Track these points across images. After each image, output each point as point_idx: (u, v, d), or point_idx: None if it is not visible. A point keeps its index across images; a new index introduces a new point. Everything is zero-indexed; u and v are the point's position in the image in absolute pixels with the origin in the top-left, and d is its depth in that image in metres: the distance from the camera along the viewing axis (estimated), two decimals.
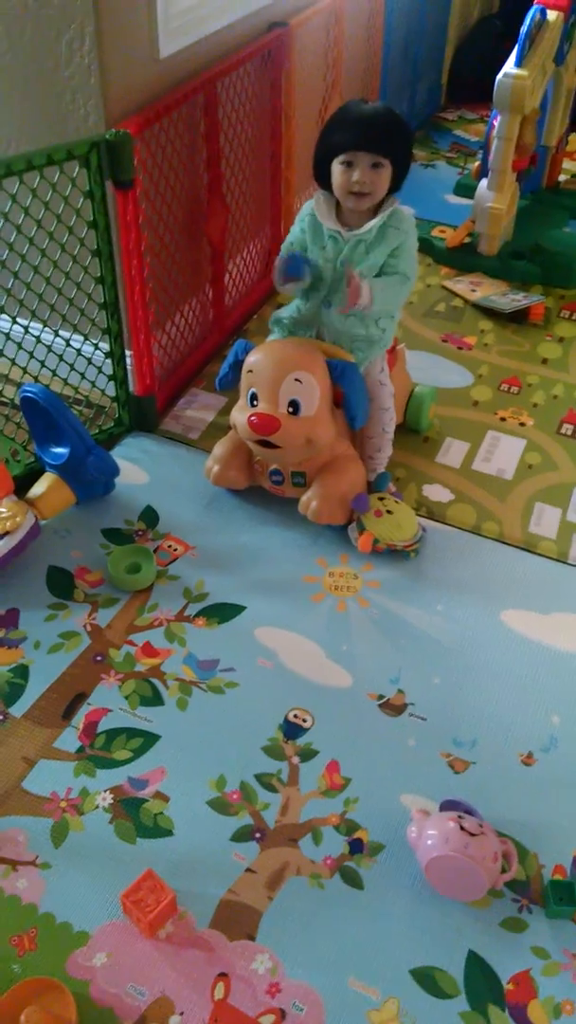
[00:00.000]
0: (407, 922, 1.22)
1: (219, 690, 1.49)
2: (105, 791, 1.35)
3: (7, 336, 1.72)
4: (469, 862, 1.18)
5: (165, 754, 1.40)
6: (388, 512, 1.71)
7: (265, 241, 2.41)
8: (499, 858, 1.22)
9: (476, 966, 1.18)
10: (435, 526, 1.79)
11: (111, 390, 1.94)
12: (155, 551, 1.71)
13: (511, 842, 1.29)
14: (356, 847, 1.29)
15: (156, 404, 1.98)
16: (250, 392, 1.65)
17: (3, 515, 1.62)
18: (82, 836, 1.29)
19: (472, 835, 1.20)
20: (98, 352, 1.89)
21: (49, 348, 1.79)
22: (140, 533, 1.75)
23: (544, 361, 2.26)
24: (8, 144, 1.76)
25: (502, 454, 1.97)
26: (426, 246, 2.63)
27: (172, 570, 1.68)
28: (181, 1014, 1.13)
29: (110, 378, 1.90)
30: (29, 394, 1.68)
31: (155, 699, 1.47)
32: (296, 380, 1.60)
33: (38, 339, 1.76)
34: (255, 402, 1.64)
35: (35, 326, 1.77)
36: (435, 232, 2.68)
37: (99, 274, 1.74)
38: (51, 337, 1.81)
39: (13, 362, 1.79)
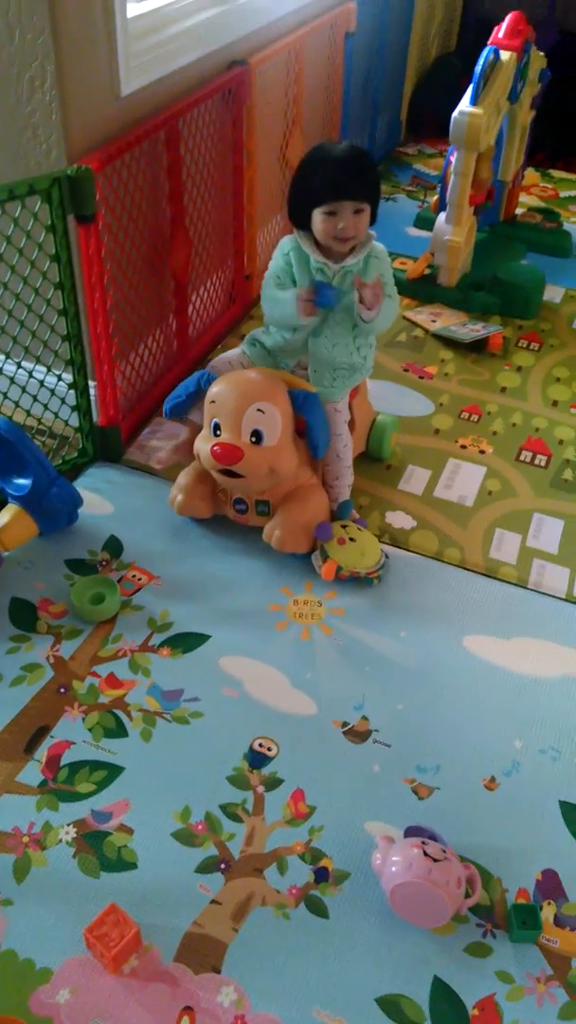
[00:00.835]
0: (372, 950, 1.22)
1: (184, 720, 1.49)
2: (68, 825, 1.34)
3: None
4: (432, 888, 1.19)
5: (129, 786, 1.39)
6: (351, 540, 1.73)
7: (228, 273, 2.44)
8: (463, 883, 1.23)
9: (441, 993, 1.18)
10: (398, 553, 1.81)
11: (75, 420, 1.95)
12: (119, 581, 1.71)
13: (474, 867, 1.29)
14: (321, 875, 1.29)
15: (120, 434, 1.99)
16: (213, 422, 1.66)
17: None
18: (44, 871, 1.28)
19: (435, 861, 1.21)
20: (61, 383, 1.89)
21: (11, 379, 1.80)
22: (104, 563, 1.75)
23: (503, 390, 2.30)
24: None
25: (463, 481, 2.00)
26: None
27: (136, 600, 1.68)
28: None
29: (73, 408, 1.91)
30: None
31: (119, 731, 1.46)
32: (259, 410, 1.62)
33: (0, 370, 1.76)
34: (218, 432, 1.65)
35: None
36: (396, 264, 2.73)
37: (62, 306, 1.76)
38: (13, 368, 1.81)
39: None
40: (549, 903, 1.28)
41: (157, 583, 1.72)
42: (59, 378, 1.87)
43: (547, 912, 1.27)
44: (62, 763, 1.41)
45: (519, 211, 3.04)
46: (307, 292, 1.68)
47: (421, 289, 2.63)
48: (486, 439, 2.13)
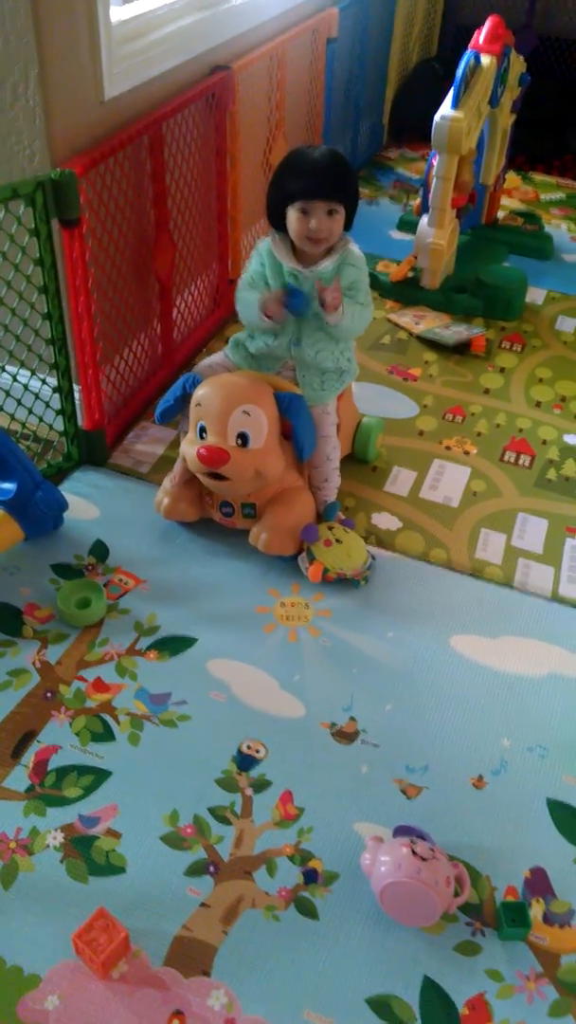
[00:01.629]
0: (362, 950, 1.22)
1: (171, 724, 1.48)
2: (56, 830, 1.33)
3: None
4: (422, 887, 1.19)
5: (117, 790, 1.39)
6: (337, 541, 1.73)
7: (212, 277, 2.44)
8: (452, 882, 1.23)
9: (432, 992, 1.18)
10: (384, 554, 1.82)
11: (59, 425, 1.95)
12: (105, 585, 1.71)
13: (463, 865, 1.30)
14: (311, 877, 1.29)
15: (105, 438, 1.99)
16: (199, 425, 1.66)
17: None
18: (32, 877, 1.27)
19: (424, 860, 1.21)
20: (46, 387, 1.89)
21: None
22: (90, 567, 1.75)
23: (487, 391, 2.32)
24: None
25: (448, 482, 2.01)
26: (371, 280, 2.68)
27: (123, 604, 1.68)
28: None
29: (58, 413, 1.90)
30: None
31: (106, 735, 1.46)
32: (244, 413, 1.62)
33: None
34: (204, 435, 1.66)
35: None
36: (380, 267, 2.74)
37: (46, 310, 1.75)
38: None
39: None
40: (538, 901, 1.28)
41: (143, 587, 1.72)
42: (44, 382, 1.86)
43: (536, 910, 1.27)
44: (49, 768, 1.41)
45: (500, 214, 3.06)
46: (278, 295, 1.68)
47: (404, 292, 2.64)
48: (470, 440, 2.14)
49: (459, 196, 2.51)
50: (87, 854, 1.30)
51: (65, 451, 1.97)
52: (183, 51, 2.01)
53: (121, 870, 1.29)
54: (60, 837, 1.32)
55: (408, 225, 2.98)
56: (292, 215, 1.65)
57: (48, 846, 1.31)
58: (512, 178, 3.47)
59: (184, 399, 1.74)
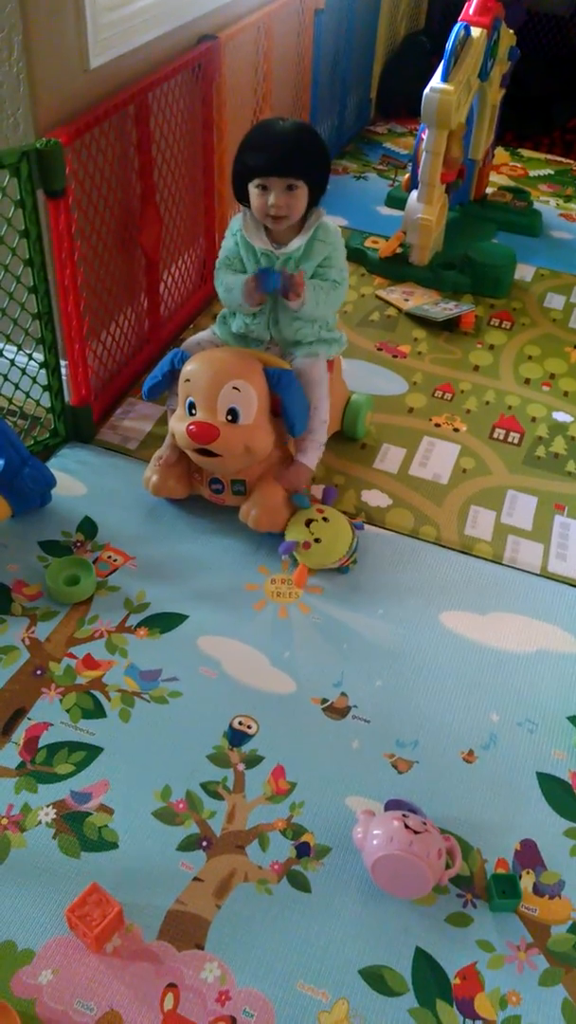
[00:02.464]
0: (355, 923, 1.23)
1: (162, 700, 1.48)
2: (48, 806, 1.33)
3: None
4: (414, 860, 1.20)
5: (108, 767, 1.38)
6: (316, 541, 1.69)
7: (200, 252, 2.41)
8: (443, 855, 1.24)
9: (423, 962, 1.19)
10: (374, 531, 1.81)
11: (46, 401, 1.92)
12: (94, 562, 1.69)
13: (454, 838, 1.31)
14: (303, 851, 1.30)
15: (92, 414, 1.97)
16: (188, 401, 1.65)
17: None
18: (24, 853, 1.27)
19: (416, 833, 1.22)
20: (32, 362, 1.86)
21: None
22: (78, 544, 1.74)
23: (476, 368, 2.31)
24: None
25: (437, 459, 2.01)
26: (359, 256, 2.67)
27: (112, 581, 1.67)
28: None
29: (44, 388, 1.88)
30: None
31: (97, 711, 1.45)
32: (234, 388, 1.61)
33: None
34: (193, 411, 1.64)
35: None
36: (368, 243, 2.72)
37: (32, 283, 1.73)
38: None
39: None
40: (528, 872, 1.30)
41: (132, 564, 1.71)
42: (30, 357, 1.84)
43: (526, 881, 1.29)
44: (40, 745, 1.40)
45: (489, 190, 3.04)
46: (252, 281, 1.66)
47: (393, 268, 2.62)
48: (460, 417, 2.14)
49: (448, 171, 2.49)
50: (79, 830, 1.30)
51: (52, 427, 1.95)
52: (170, 19, 1.97)
53: (114, 845, 1.29)
54: (52, 813, 1.32)
55: (396, 201, 2.96)
56: (252, 191, 1.63)
57: (40, 822, 1.31)
58: (501, 154, 3.45)
59: (172, 375, 1.72)
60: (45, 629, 1.58)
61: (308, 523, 1.70)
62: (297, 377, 1.70)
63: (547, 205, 3.13)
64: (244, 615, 1.63)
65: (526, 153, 3.52)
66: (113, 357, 2.08)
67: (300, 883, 1.27)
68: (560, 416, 2.17)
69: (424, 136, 2.42)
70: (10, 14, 1.52)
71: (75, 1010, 1.12)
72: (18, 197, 1.62)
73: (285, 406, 1.68)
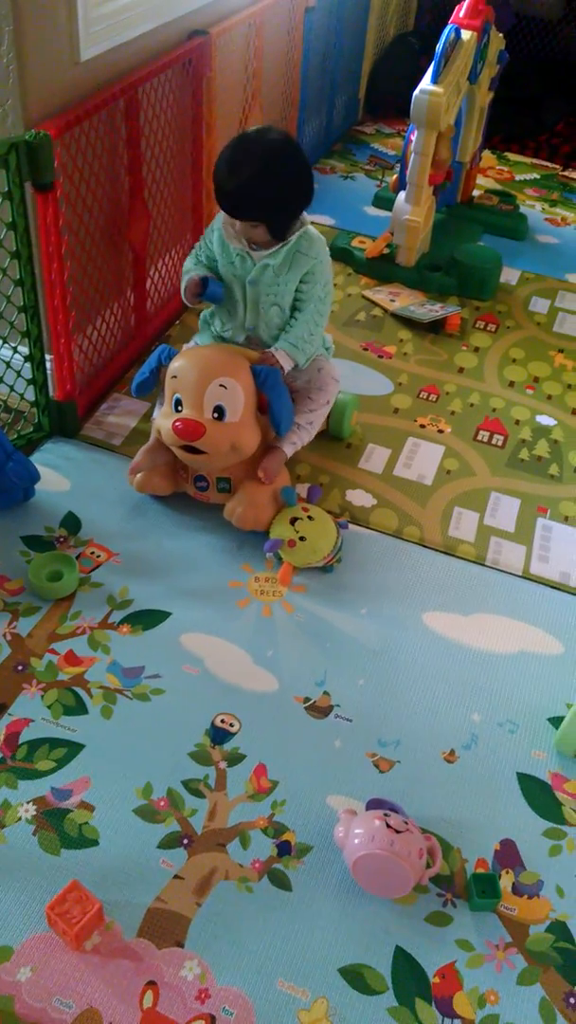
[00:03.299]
0: (335, 921, 1.23)
1: (145, 697, 1.48)
2: (28, 803, 1.32)
3: None
4: (394, 859, 1.20)
5: (90, 763, 1.38)
6: (301, 539, 1.69)
7: (187, 248, 2.40)
8: (424, 854, 1.24)
9: (403, 961, 1.20)
10: (358, 531, 1.82)
11: (30, 395, 1.91)
12: (77, 558, 1.69)
13: (435, 838, 1.31)
14: (284, 849, 1.30)
15: (77, 409, 1.96)
16: (175, 398, 1.64)
17: None
18: (4, 849, 1.26)
19: (397, 832, 1.22)
20: (17, 356, 1.85)
21: None
22: (61, 540, 1.73)
23: (461, 370, 2.32)
24: None
25: (422, 460, 2.01)
26: (346, 256, 2.67)
27: (95, 577, 1.66)
28: None
29: (29, 382, 1.87)
30: None
31: (79, 708, 1.45)
32: (221, 386, 1.61)
33: None
34: (179, 408, 1.64)
35: None
36: (355, 242, 2.72)
37: (18, 276, 1.71)
38: None
39: None
40: (507, 872, 1.31)
41: (116, 560, 1.70)
42: (15, 350, 1.83)
43: (505, 881, 1.29)
44: (21, 741, 1.39)
45: (476, 193, 3.05)
46: (194, 285, 1.71)
47: (380, 268, 2.62)
48: (444, 419, 2.15)
49: (436, 173, 2.49)
50: (60, 827, 1.29)
51: (36, 421, 1.94)
52: (161, 14, 1.96)
53: (94, 843, 1.28)
54: (32, 810, 1.31)
55: (383, 201, 2.96)
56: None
57: (20, 819, 1.30)
58: (488, 157, 3.46)
59: (160, 371, 1.72)
60: (27, 624, 1.57)
61: (293, 521, 1.70)
62: (306, 384, 1.72)
63: (533, 209, 3.15)
64: (228, 613, 1.63)
65: (513, 157, 3.54)
66: (99, 352, 2.07)
67: (281, 882, 1.27)
68: (543, 419, 2.18)
69: (413, 137, 2.42)
70: (1, 4, 1.51)
71: (54, 1007, 1.12)
72: (6, 189, 1.61)
73: (271, 405, 1.67)
